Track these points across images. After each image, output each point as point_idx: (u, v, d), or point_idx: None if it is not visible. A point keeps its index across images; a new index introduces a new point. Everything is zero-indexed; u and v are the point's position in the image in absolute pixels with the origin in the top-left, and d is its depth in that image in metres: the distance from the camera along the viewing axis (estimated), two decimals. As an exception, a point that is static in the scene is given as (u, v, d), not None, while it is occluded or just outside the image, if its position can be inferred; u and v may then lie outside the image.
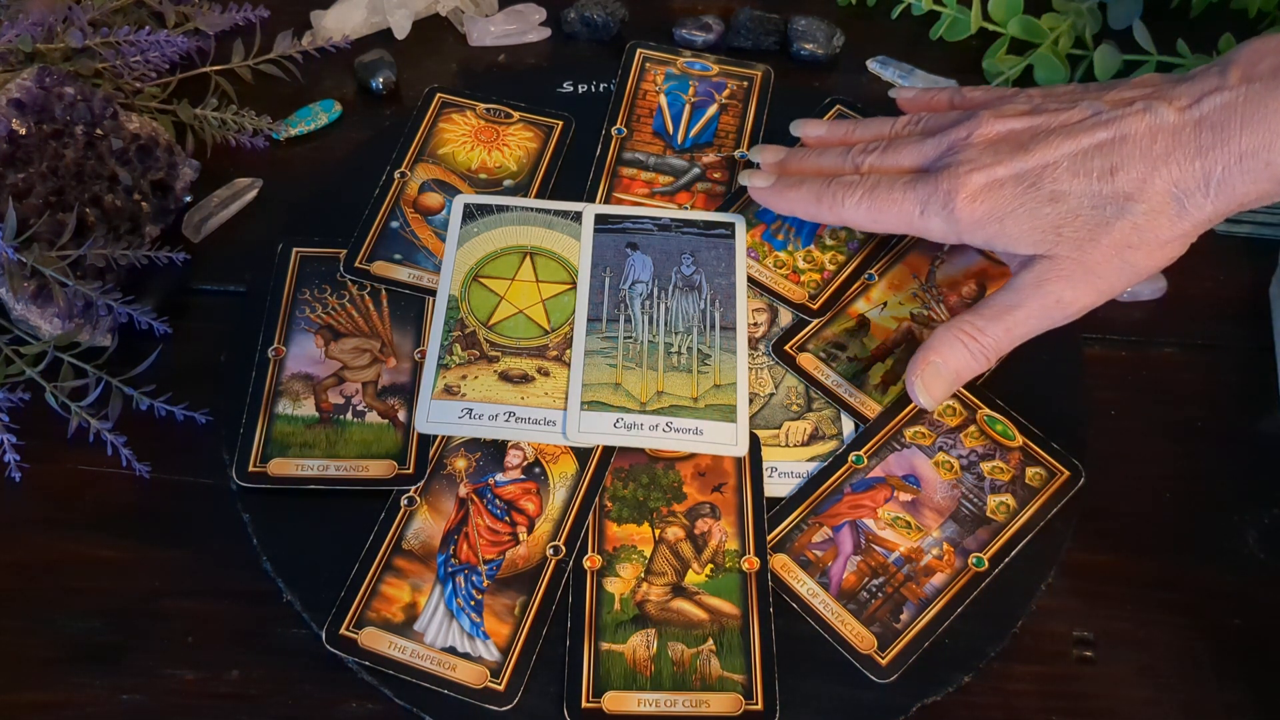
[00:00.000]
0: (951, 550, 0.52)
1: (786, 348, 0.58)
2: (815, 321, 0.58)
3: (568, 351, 0.57)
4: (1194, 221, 0.48)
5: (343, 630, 0.49)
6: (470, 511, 0.52)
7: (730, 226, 0.61)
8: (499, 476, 0.53)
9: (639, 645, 0.49)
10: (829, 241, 0.61)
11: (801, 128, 0.61)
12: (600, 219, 0.61)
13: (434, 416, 0.55)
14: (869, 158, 0.55)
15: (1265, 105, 0.45)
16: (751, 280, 0.59)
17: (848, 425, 0.56)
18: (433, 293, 0.59)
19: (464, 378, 0.56)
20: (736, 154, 0.65)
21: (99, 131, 0.58)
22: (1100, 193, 0.48)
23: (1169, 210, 0.47)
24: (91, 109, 0.58)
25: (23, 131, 0.56)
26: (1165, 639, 0.51)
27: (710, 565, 0.51)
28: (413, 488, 0.53)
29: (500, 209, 0.62)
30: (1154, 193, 0.47)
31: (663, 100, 0.67)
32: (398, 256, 0.60)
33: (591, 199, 0.63)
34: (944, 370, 0.52)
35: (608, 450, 0.54)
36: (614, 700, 0.48)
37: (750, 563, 0.51)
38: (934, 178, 0.51)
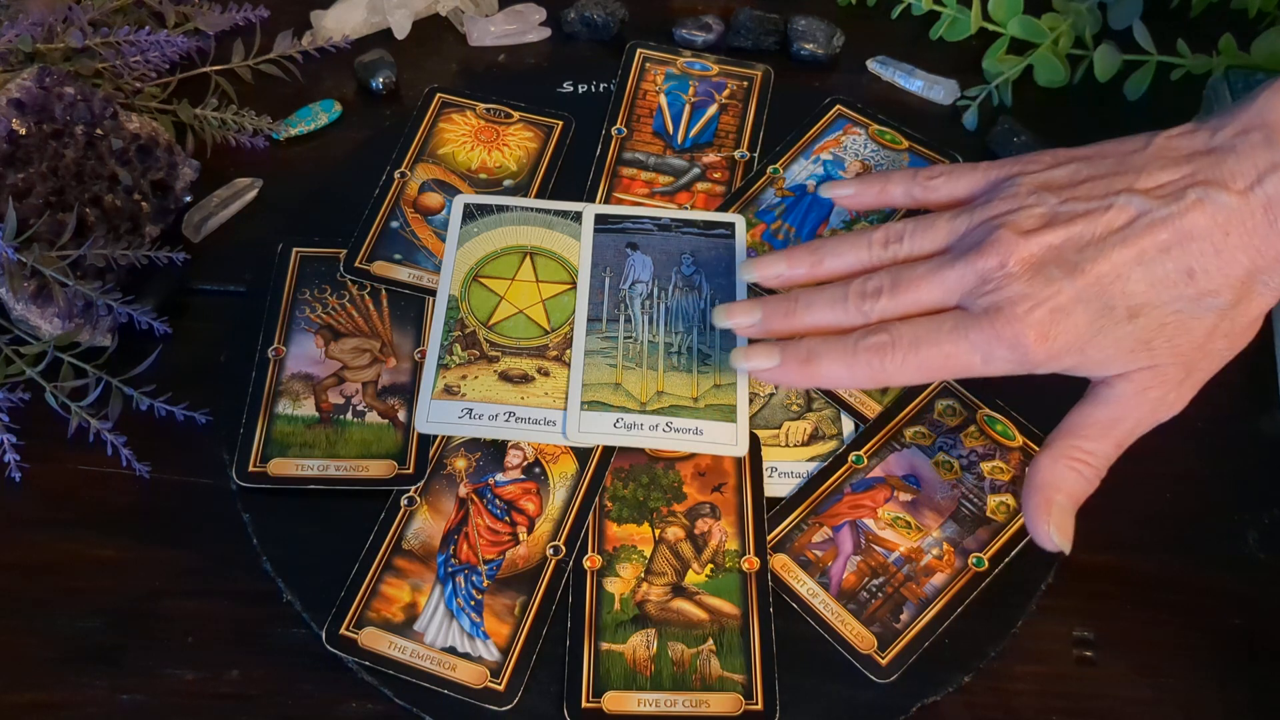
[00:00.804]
0: (951, 550, 0.52)
1: (786, 348, 0.57)
2: (815, 321, 0.58)
3: (568, 351, 0.57)
4: (1276, 295, 0.45)
5: (343, 630, 0.49)
6: (470, 511, 0.52)
7: (730, 226, 0.61)
8: (499, 476, 0.53)
9: (639, 645, 0.49)
10: (829, 241, 0.61)
11: (756, 271, 0.53)
12: (600, 219, 0.61)
13: (434, 416, 0.55)
14: (878, 304, 0.48)
15: None
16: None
17: (848, 425, 0.56)
18: (433, 293, 0.59)
19: (464, 378, 0.56)
20: (736, 154, 0.65)
21: (99, 131, 0.58)
22: (1183, 296, 0.44)
23: (1254, 294, 0.45)
24: (91, 109, 0.58)
25: (23, 131, 0.56)
26: (1165, 639, 0.51)
27: (710, 565, 0.51)
28: (413, 488, 0.53)
29: (500, 209, 0.62)
30: (1236, 282, 0.44)
31: (663, 100, 0.67)
32: (398, 256, 0.60)
33: (591, 199, 0.63)
34: (1067, 505, 0.48)
35: (608, 450, 0.54)
36: (614, 700, 0.48)
37: (750, 563, 0.51)
38: (989, 323, 0.45)
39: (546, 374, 0.56)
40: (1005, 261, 0.45)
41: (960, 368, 0.47)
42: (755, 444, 0.55)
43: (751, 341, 0.51)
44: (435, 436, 0.54)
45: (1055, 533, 0.47)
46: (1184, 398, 0.47)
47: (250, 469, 0.53)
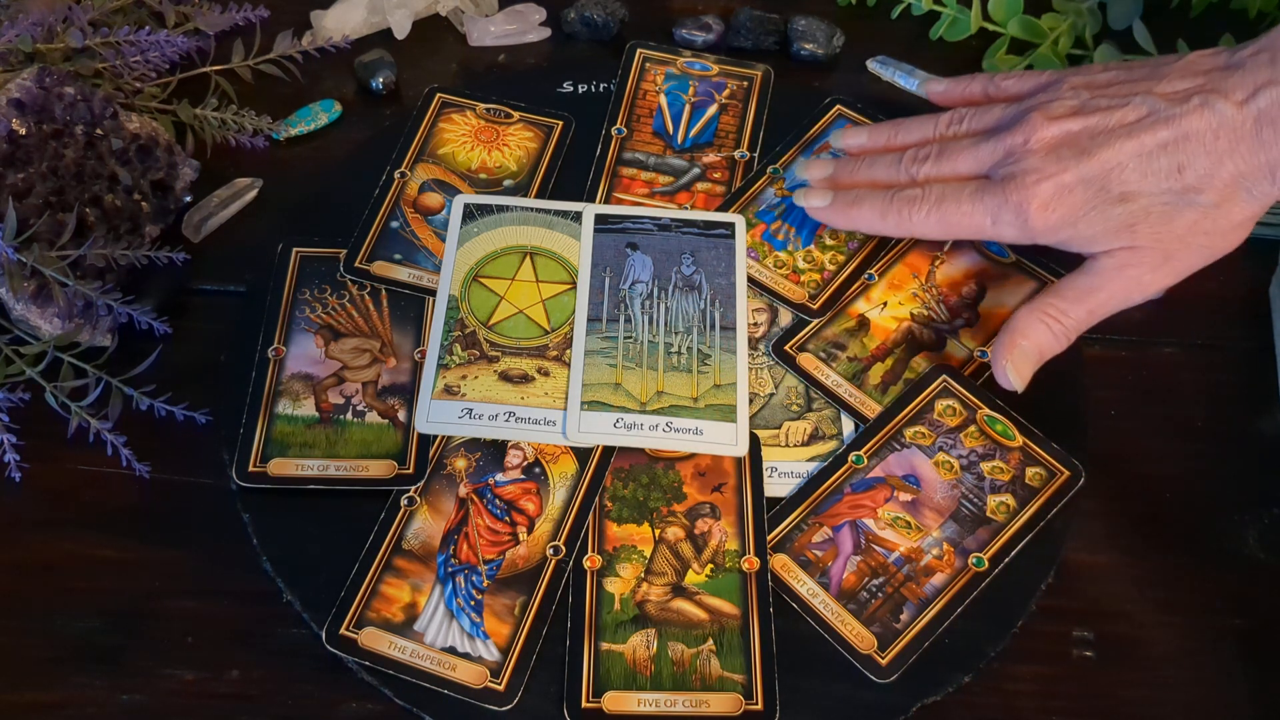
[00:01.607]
0: (951, 550, 0.52)
1: (786, 348, 0.58)
2: (815, 321, 0.58)
3: (568, 351, 0.57)
4: (1261, 205, 0.50)
5: (343, 630, 0.49)
6: (470, 511, 0.52)
7: (730, 226, 0.61)
8: (499, 476, 0.53)
9: (639, 645, 0.49)
10: (829, 241, 0.61)
11: (843, 139, 0.61)
12: (600, 219, 0.61)
13: (434, 416, 0.55)
14: (924, 167, 0.55)
15: None
16: (751, 280, 0.59)
17: (848, 425, 0.56)
18: (433, 293, 0.59)
19: (464, 378, 0.56)
20: (736, 154, 0.65)
21: (99, 131, 0.58)
22: (1169, 189, 0.49)
23: (1237, 198, 0.49)
24: (91, 109, 0.58)
25: (23, 131, 0.56)
26: (1165, 639, 0.51)
27: (710, 565, 0.51)
28: (413, 488, 0.53)
29: (500, 209, 0.62)
30: (1221, 184, 0.49)
31: (663, 100, 0.67)
32: (398, 256, 0.60)
33: (591, 199, 0.63)
34: (1031, 352, 0.53)
35: (608, 450, 0.54)
36: (614, 700, 0.48)
37: (750, 563, 0.51)
38: (1001, 189, 0.52)
39: (546, 374, 0.56)
40: (1028, 139, 0.52)
41: (973, 227, 0.53)
42: (755, 444, 0.55)
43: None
44: (435, 436, 0.54)
45: (1011, 371, 0.53)
46: (1159, 282, 0.52)
47: (250, 469, 0.53)
